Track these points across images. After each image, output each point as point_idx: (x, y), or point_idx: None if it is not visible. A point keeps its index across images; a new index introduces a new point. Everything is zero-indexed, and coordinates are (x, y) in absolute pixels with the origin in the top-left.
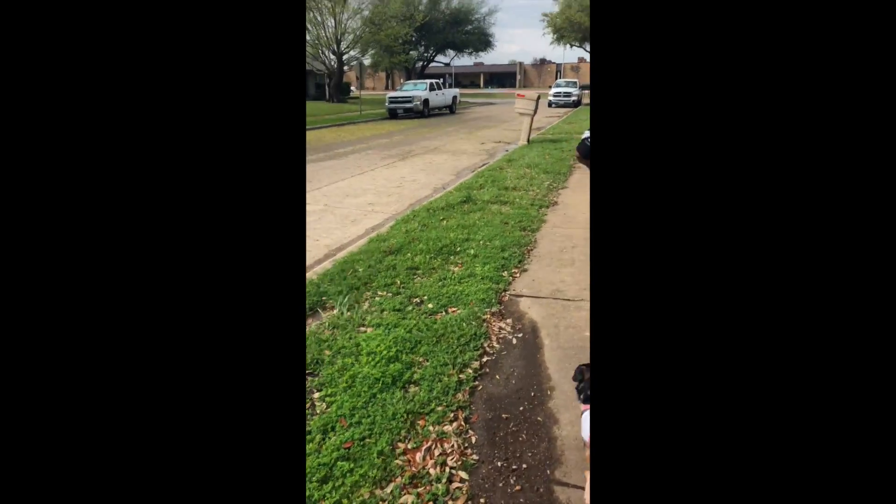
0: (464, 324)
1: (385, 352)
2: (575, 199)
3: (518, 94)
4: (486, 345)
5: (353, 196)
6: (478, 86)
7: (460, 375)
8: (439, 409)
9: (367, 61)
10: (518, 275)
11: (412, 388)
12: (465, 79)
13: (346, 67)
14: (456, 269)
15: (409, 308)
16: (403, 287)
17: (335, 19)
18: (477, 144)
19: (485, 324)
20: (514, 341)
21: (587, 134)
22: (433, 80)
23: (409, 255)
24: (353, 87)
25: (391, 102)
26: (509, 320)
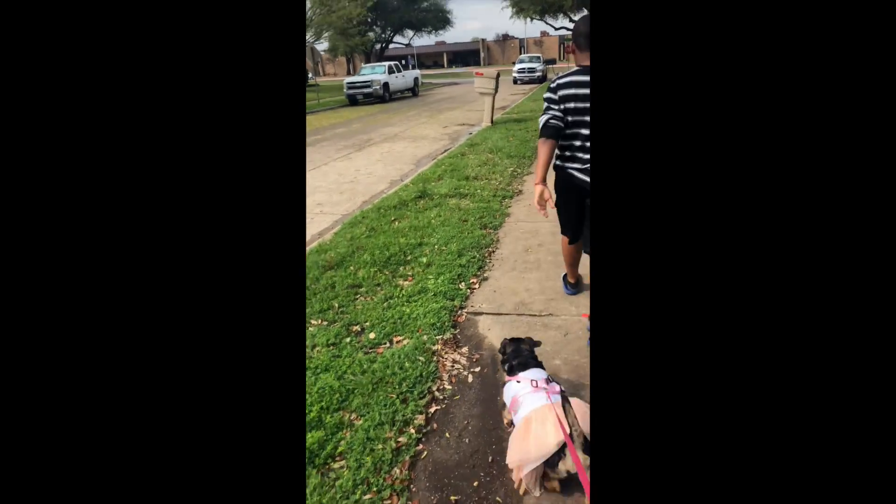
0: (408, 362)
1: (306, 413)
2: None
3: (476, 73)
4: (435, 388)
5: None
6: (441, 66)
7: (399, 439)
8: (367, 498)
9: (321, 46)
10: (477, 285)
11: (335, 466)
12: (427, 59)
13: (309, 50)
14: (405, 283)
15: (347, 340)
16: (342, 312)
17: None
18: (439, 129)
19: (435, 357)
20: (471, 378)
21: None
22: (392, 63)
23: (351, 268)
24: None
25: (349, 88)
26: (465, 349)
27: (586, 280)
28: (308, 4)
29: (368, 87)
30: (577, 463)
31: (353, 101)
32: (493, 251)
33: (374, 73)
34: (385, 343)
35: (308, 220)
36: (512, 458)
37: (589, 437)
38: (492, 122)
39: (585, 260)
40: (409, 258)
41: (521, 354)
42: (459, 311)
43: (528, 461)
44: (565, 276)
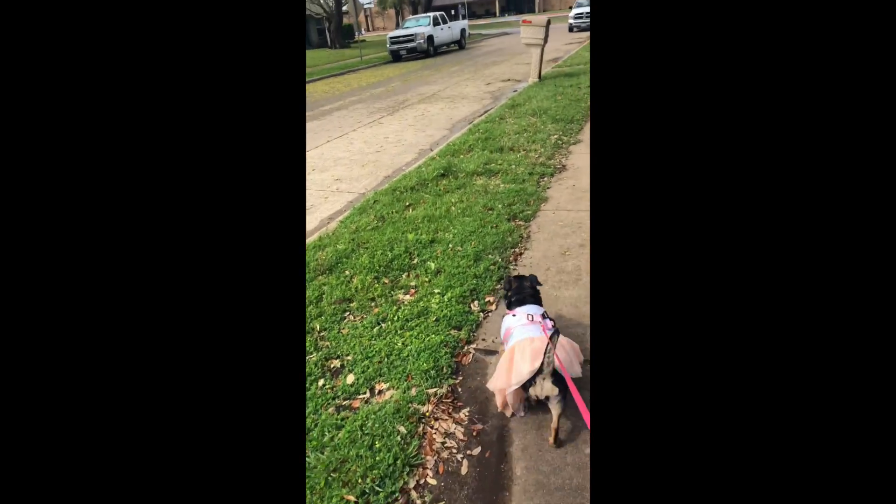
0: (380, 440)
1: None
2: (588, 158)
3: (523, 21)
4: (412, 485)
5: (321, 170)
6: (493, 14)
7: None
8: None
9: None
10: (493, 306)
11: None
12: (479, 7)
13: (344, 7)
14: (406, 297)
15: (320, 384)
16: (322, 338)
17: None
18: (482, 86)
19: (421, 427)
20: (466, 468)
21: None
22: (438, 14)
23: (346, 273)
24: (359, 31)
25: (392, 43)
26: (465, 412)
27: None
28: None
29: (412, 41)
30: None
31: (396, 57)
32: (521, 252)
33: (418, 26)
34: (364, 392)
35: (322, 200)
36: (493, 384)
37: (558, 370)
38: (539, 77)
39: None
40: (415, 261)
41: (521, 291)
42: (465, 348)
43: (507, 386)
44: None
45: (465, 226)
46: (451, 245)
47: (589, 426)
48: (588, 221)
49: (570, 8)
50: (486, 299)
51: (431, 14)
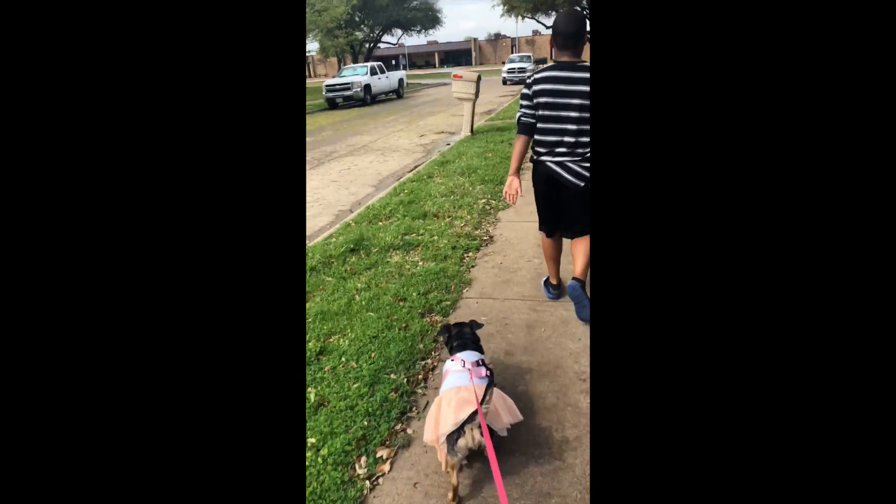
0: None
1: None
2: (518, 228)
3: (454, 76)
4: None
5: None
6: (433, 65)
7: None
8: None
9: (310, 46)
10: (388, 465)
11: None
12: (419, 59)
13: None
14: None
15: None
16: None
17: None
18: (415, 138)
19: None
20: None
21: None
22: (375, 63)
23: None
24: None
25: (328, 91)
26: None
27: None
28: None
29: (348, 89)
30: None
31: (332, 105)
32: (434, 367)
33: (355, 75)
34: None
35: None
36: (426, 436)
37: (483, 421)
38: (472, 131)
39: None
40: None
41: (462, 336)
42: None
43: (436, 438)
44: (547, 280)
45: (368, 325)
46: (343, 359)
47: (504, 502)
48: (516, 315)
49: (503, 63)
50: (379, 454)
51: (369, 63)
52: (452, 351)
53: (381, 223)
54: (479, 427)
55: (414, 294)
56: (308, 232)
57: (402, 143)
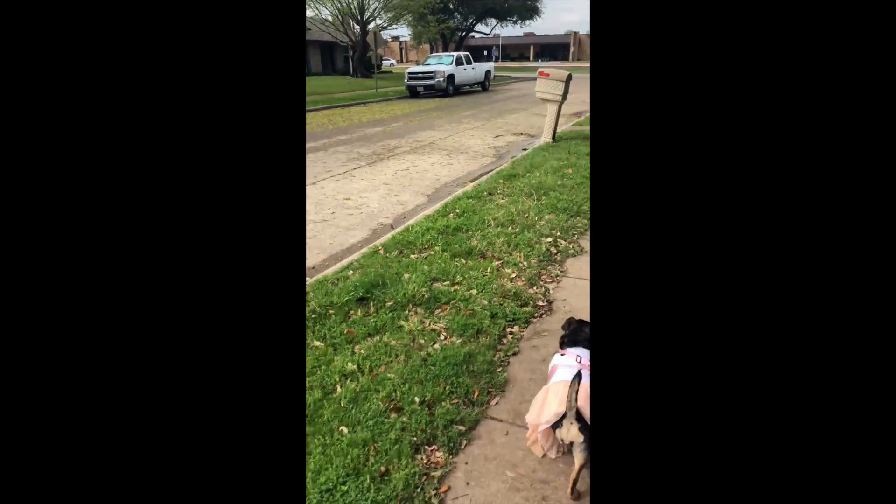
0: None
1: None
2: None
3: (540, 73)
4: None
5: None
6: (527, 58)
7: None
8: None
9: (395, 31)
10: None
11: None
12: (513, 51)
13: (372, 34)
14: None
15: None
16: None
17: None
18: (489, 138)
19: None
20: None
21: None
22: (462, 53)
23: None
24: (387, 60)
25: (410, 79)
26: None
27: None
28: None
29: (431, 78)
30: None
31: (413, 93)
32: None
33: (440, 64)
34: None
35: None
36: (528, 417)
37: (583, 414)
38: (554, 138)
39: None
40: None
41: (577, 334)
42: None
43: (538, 423)
44: None
45: (327, 463)
46: None
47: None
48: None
49: None
50: None
51: (455, 53)
52: (563, 346)
53: (412, 256)
54: (577, 423)
55: (416, 400)
56: (334, 249)
57: (474, 142)
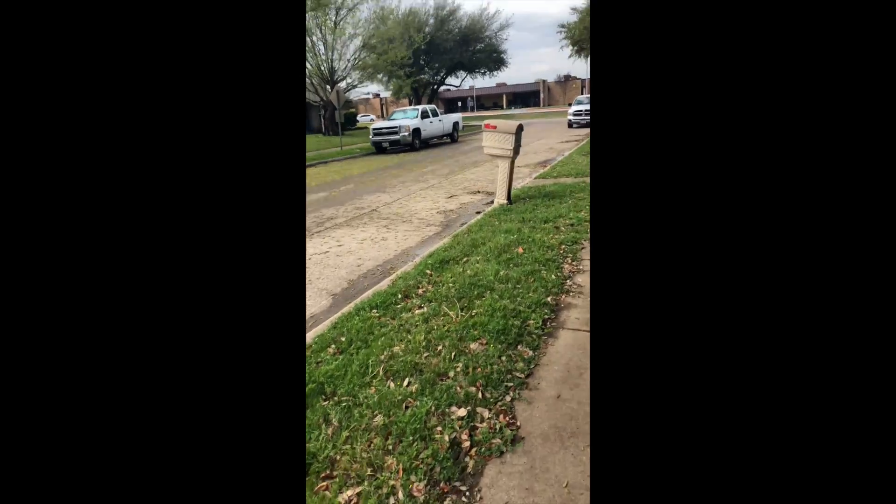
0: None
1: None
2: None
3: (486, 125)
4: None
5: None
6: (501, 107)
7: None
8: None
9: (366, 88)
10: None
11: None
12: (487, 100)
13: (348, 95)
14: None
15: None
16: None
17: (325, 45)
18: (441, 200)
19: None
20: None
21: None
22: (428, 106)
23: None
24: (366, 116)
25: (375, 134)
26: None
27: None
28: (351, 50)
29: (395, 133)
30: None
31: (379, 149)
32: None
33: (405, 118)
34: None
35: None
36: None
37: None
38: (509, 198)
39: None
40: None
41: None
42: None
43: None
44: None
45: None
46: None
47: None
48: None
49: (569, 104)
50: None
51: (420, 107)
52: None
53: None
54: None
55: None
56: None
57: (423, 206)
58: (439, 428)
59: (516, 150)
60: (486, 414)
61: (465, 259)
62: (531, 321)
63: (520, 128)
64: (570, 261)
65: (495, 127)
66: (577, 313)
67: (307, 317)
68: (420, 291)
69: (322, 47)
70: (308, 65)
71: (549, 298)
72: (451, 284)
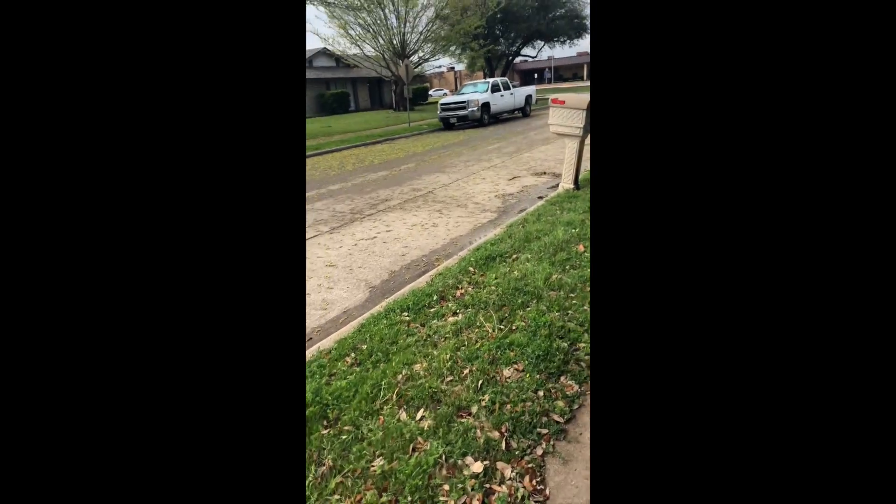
0: None
1: None
2: None
3: (553, 100)
4: None
5: None
6: (581, 78)
7: None
8: None
9: (438, 62)
10: None
11: None
12: (567, 71)
13: (416, 70)
14: None
15: None
16: None
17: (397, 18)
18: (502, 182)
19: None
20: None
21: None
22: (499, 79)
23: None
24: (439, 91)
25: (443, 110)
26: None
27: None
28: (424, 22)
29: (464, 108)
30: None
31: (447, 125)
32: None
33: (475, 92)
34: None
35: None
36: None
37: None
38: (576, 184)
39: None
40: None
41: None
42: None
43: None
44: None
45: None
46: None
47: None
48: None
49: None
50: None
51: (490, 80)
52: None
53: None
54: None
55: None
56: None
57: (482, 189)
58: (446, 487)
59: (587, 129)
60: (509, 472)
61: (514, 257)
62: (582, 344)
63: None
64: None
65: (564, 102)
66: None
67: (341, 311)
68: (458, 293)
69: (395, 20)
70: (380, 39)
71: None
72: (493, 287)
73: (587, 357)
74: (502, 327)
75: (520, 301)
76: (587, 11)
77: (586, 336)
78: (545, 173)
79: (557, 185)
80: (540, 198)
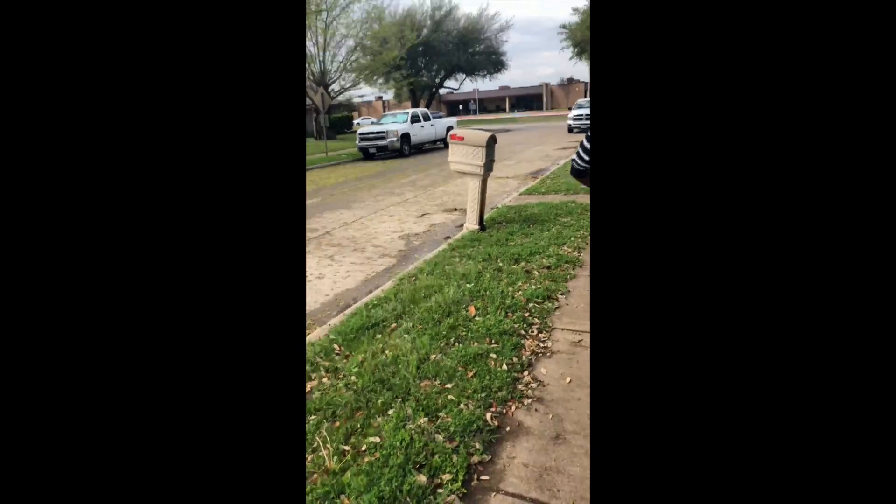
0: None
1: None
2: None
3: (451, 136)
4: None
5: None
6: (503, 110)
7: None
8: None
9: (363, 91)
10: None
11: None
12: (490, 103)
13: (337, 98)
14: None
15: None
16: None
17: (315, 47)
18: (410, 220)
19: None
20: None
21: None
22: (419, 110)
23: None
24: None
25: (362, 140)
26: None
27: None
28: (344, 51)
29: (382, 138)
30: None
31: (367, 155)
32: None
33: (394, 122)
34: None
35: None
36: None
37: None
38: (481, 224)
39: None
40: None
41: None
42: None
43: None
44: None
45: None
46: None
47: None
48: None
49: (569, 108)
50: None
51: (410, 110)
52: None
53: None
54: None
55: None
56: None
57: (386, 228)
58: None
59: (488, 167)
60: None
61: (392, 326)
62: (445, 476)
63: (492, 139)
64: (535, 332)
65: (462, 138)
66: (528, 449)
67: None
68: (308, 388)
69: (313, 49)
70: None
71: (488, 415)
72: (354, 378)
73: (451, 497)
74: (347, 449)
75: (380, 402)
76: (505, 48)
77: (454, 458)
78: (456, 209)
79: (465, 226)
80: (446, 238)
